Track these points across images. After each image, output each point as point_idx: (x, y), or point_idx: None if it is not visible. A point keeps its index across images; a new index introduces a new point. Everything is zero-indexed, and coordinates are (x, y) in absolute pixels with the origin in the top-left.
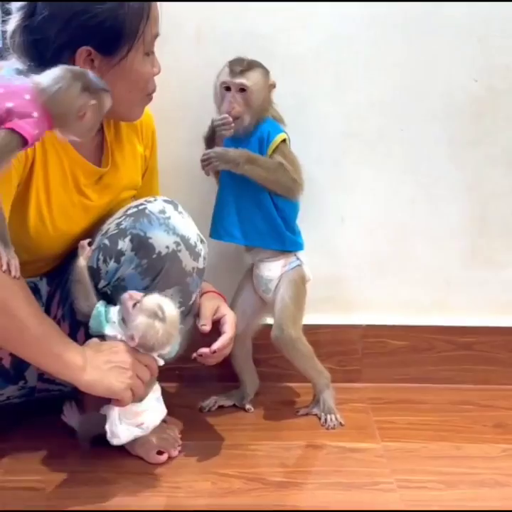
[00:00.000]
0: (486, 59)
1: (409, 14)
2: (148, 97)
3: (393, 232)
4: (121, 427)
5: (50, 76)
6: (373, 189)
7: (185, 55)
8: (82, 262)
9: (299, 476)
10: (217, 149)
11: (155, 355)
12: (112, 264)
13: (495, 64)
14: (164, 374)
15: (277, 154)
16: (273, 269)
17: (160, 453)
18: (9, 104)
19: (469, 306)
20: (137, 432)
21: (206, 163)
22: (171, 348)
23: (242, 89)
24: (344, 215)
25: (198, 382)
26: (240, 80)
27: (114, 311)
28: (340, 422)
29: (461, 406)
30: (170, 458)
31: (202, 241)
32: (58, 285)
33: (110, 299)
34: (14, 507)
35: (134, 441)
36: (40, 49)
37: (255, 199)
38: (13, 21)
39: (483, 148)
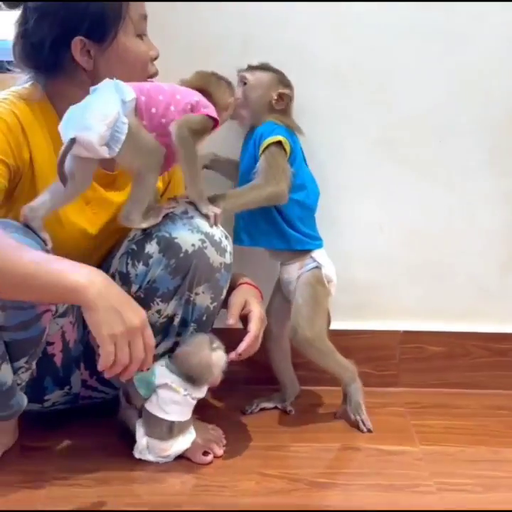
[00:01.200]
0: None
1: (448, 26)
2: (150, 80)
3: (430, 240)
4: (149, 456)
5: None
6: (411, 198)
7: (231, 66)
8: None
9: (339, 477)
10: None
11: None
12: (140, 267)
13: None
14: None
15: (264, 155)
16: (290, 272)
17: (206, 454)
18: (196, 98)
19: (504, 313)
20: (162, 461)
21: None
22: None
23: (244, 84)
24: (382, 223)
25: (240, 386)
26: (243, 73)
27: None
28: (369, 428)
29: (496, 411)
30: (215, 457)
31: (226, 237)
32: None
33: (144, 304)
34: (64, 503)
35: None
36: (38, 52)
37: None
38: (13, 34)
39: None
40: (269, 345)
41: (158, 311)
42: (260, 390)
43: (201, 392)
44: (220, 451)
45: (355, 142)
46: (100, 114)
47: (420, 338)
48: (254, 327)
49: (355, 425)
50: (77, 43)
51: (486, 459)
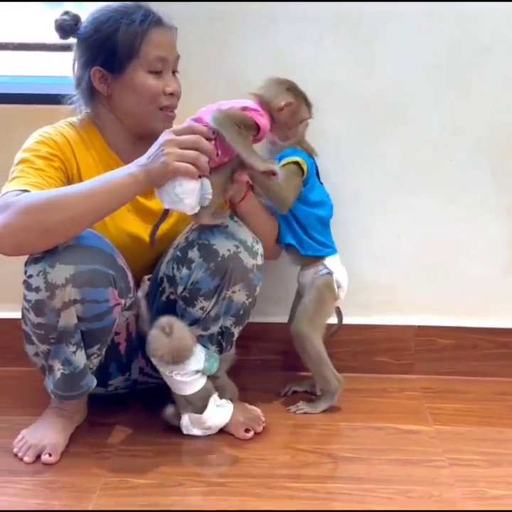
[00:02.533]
0: None
1: (457, 63)
2: (162, 112)
3: (442, 247)
4: (195, 431)
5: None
6: (425, 211)
7: None
8: (139, 293)
9: (363, 452)
10: None
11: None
12: (184, 271)
13: None
14: (248, 364)
15: (281, 170)
16: (306, 276)
17: (247, 431)
18: (247, 105)
19: (508, 310)
20: (208, 432)
21: None
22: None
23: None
24: (400, 233)
25: (276, 371)
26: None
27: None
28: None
29: (501, 396)
30: (256, 434)
31: (257, 242)
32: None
33: (189, 302)
34: (126, 472)
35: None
36: (76, 80)
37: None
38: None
39: None
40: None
41: (202, 308)
42: (293, 375)
43: (184, 368)
44: (259, 428)
45: (378, 164)
46: (188, 188)
47: (433, 332)
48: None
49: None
50: (95, 71)
51: (492, 438)
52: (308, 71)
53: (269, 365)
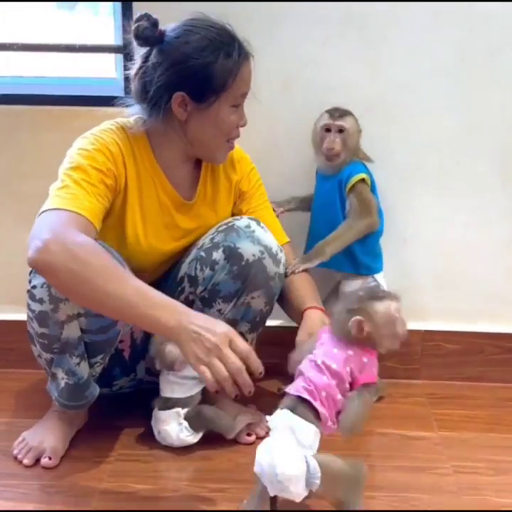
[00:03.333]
0: None
1: (464, 65)
2: (228, 143)
3: (449, 251)
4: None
5: None
6: (432, 214)
7: (273, 102)
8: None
9: (368, 458)
10: (297, 262)
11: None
12: (207, 271)
13: None
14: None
15: (353, 194)
16: (352, 287)
17: (249, 435)
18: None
19: None
20: (158, 438)
21: (294, 269)
22: None
23: (341, 131)
24: (406, 236)
25: (278, 371)
26: (340, 123)
27: None
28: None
29: (508, 402)
30: (258, 438)
31: (281, 250)
32: None
33: (207, 303)
34: (126, 476)
35: None
36: (147, 91)
37: (334, 226)
38: (134, 67)
39: None
40: None
41: (219, 310)
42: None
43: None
44: (262, 432)
45: (386, 168)
46: (292, 476)
47: (439, 337)
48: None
49: None
50: (178, 96)
51: (498, 445)
52: (315, 72)
53: (270, 363)
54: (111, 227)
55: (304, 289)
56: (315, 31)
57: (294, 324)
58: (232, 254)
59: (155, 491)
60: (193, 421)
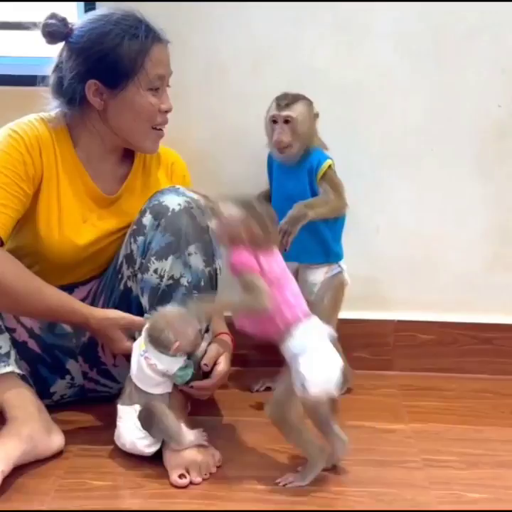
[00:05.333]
0: (509, 88)
1: (440, 48)
2: (155, 130)
3: (423, 239)
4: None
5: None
6: (406, 202)
7: (242, 84)
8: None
9: None
10: (283, 224)
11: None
12: (140, 239)
13: None
14: None
15: (324, 180)
16: (317, 275)
17: (181, 476)
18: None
19: (490, 305)
20: (116, 434)
21: (285, 239)
22: (183, 372)
23: (288, 121)
24: (380, 224)
25: (249, 367)
26: (286, 113)
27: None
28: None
29: (481, 394)
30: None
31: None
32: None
33: (144, 268)
34: (84, 473)
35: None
36: (62, 85)
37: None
38: (52, 65)
39: (505, 166)
40: None
41: (155, 271)
42: (267, 371)
43: (160, 357)
44: (197, 479)
45: (358, 153)
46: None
47: (413, 327)
48: (211, 382)
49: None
50: (91, 85)
51: (470, 437)
52: (285, 54)
53: (240, 360)
54: (24, 220)
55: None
56: (285, 13)
57: None
58: (158, 209)
59: (113, 489)
60: (144, 419)
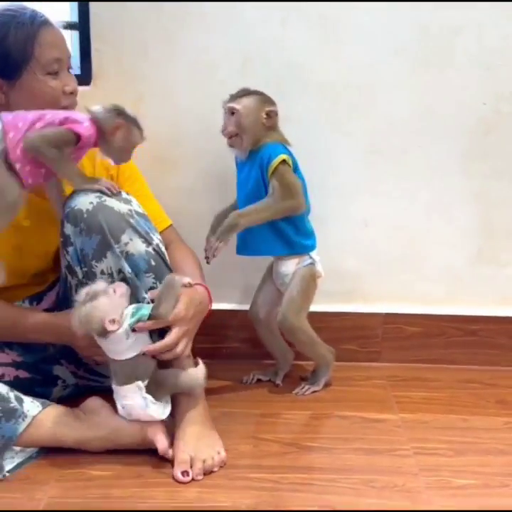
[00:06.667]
0: (494, 85)
1: (426, 45)
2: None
3: (410, 234)
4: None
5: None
6: (393, 197)
7: (232, 82)
8: None
9: (327, 441)
10: (212, 238)
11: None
12: (70, 249)
13: (501, 90)
14: (212, 351)
15: (275, 177)
16: (288, 266)
17: (184, 473)
18: (65, 115)
19: (476, 298)
20: (122, 412)
21: (213, 250)
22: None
23: (233, 113)
24: (367, 218)
25: (240, 359)
26: (231, 105)
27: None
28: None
29: (467, 384)
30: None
31: (121, 193)
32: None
33: (90, 275)
34: (84, 463)
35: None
36: None
37: None
38: None
39: (490, 162)
40: (259, 329)
41: (102, 272)
42: (257, 363)
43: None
44: (199, 477)
45: (345, 149)
46: None
47: (400, 320)
48: (170, 338)
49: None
50: None
51: (457, 426)
52: (274, 52)
53: (232, 352)
54: None
55: (188, 268)
56: (272, 10)
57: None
58: (73, 216)
59: (112, 478)
60: (154, 390)
